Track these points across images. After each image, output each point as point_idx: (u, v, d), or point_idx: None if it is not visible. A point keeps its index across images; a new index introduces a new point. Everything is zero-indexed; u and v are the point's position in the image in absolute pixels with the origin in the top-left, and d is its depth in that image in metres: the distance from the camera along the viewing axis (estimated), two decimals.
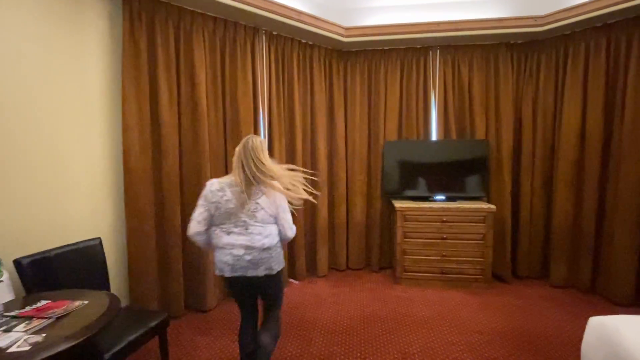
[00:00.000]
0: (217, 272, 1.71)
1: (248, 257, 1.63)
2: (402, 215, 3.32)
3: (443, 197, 3.54)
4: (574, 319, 2.69)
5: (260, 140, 1.73)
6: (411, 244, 3.32)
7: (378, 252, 3.70)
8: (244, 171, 1.66)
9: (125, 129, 2.41)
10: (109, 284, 2.05)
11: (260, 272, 1.65)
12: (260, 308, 1.88)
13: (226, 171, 2.96)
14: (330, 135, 3.65)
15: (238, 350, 2.26)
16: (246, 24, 2.97)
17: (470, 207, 3.23)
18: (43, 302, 1.52)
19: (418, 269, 3.33)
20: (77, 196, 2.24)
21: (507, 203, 3.46)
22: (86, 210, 2.29)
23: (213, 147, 2.86)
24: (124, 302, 2.57)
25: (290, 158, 3.41)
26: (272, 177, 1.68)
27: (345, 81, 3.73)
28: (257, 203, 1.66)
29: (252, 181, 1.66)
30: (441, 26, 3.33)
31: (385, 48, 3.65)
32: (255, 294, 1.80)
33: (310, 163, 3.55)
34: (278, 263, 1.71)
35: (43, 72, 2.05)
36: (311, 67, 3.50)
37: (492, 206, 3.23)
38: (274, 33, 3.20)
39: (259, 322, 1.88)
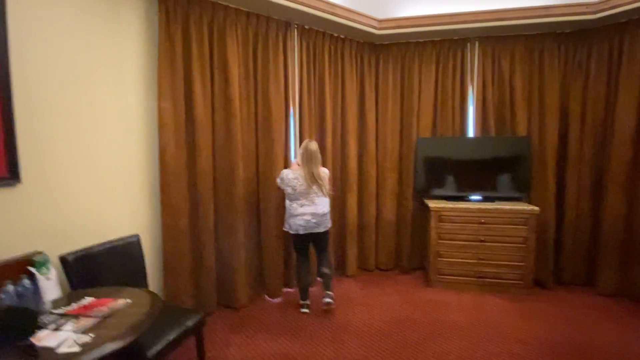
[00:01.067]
0: (291, 232, 2.74)
1: (314, 220, 2.67)
2: (437, 215, 3.18)
3: (479, 197, 3.37)
4: (632, 332, 2.48)
5: (316, 146, 2.74)
6: (446, 246, 3.19)
7: (408, 253, 3.59)
8: (308, 167, 2.67)
9: (162, 126, 2.41)
10: (147, 280, 2.07)
11: (321, 229, 2.71)
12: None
13: (257, 168, 2.93)
14: (360, 131, 3.55)
15: (268, 344, 2.25)
16: (278, 18, 2.91)
17: (512, 208, 3.05)
18: (88, 300, 1.53)
19: (453, 272, 3.19)
20: (116, 193, 2.27)
21: (550, 204, 3.25)
22: (124, 207, 2.32)
23: (245, 145, 2.83)
24: None
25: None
26: (320, 175, 2.71)
27: (377, 75, 3.60)
28: (319, 186, 2.68)
29: (313, 174, 2.67)
30: (481, 16, 3.14)
31: (420, 40, 3.49)
32: (311, 243, 2.83)
33: (340, 160, 3.47)
34: (329, 223, 2.79)
35: (81, 70, 2.07)
36: (342, 62, 3.40)
37: (536, 208, 3.03)
38: (306, 27, 3.12)
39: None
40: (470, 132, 3.49)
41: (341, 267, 3.62)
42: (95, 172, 2.14)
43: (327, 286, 2.76)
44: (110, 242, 1.93)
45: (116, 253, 1.92)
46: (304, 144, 2.74)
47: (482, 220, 3.10)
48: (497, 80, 3.39)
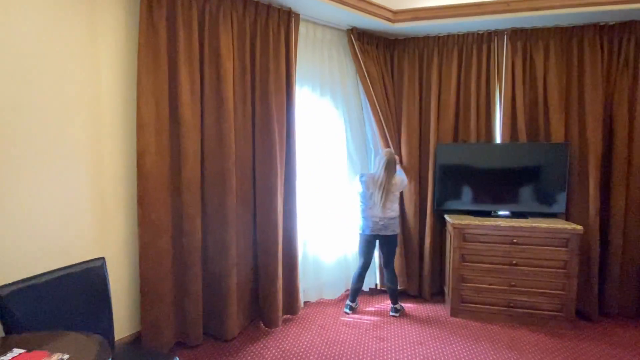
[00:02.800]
0: (360, 232, 2.85)
1: (382, 223, 2.75)
2: (460, 234, 2.75)
3: (507, 212, 2.94)
4: None
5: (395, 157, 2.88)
6: (471, 270, 2.75)
7: (429, 276, 3.15)
8: (387, 173, 2.74)
9: (140, 127, 2.07)
10: (111, 314, 1.69)
11: (389, 232, 2.77)
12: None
13: (254, 176, 2.56)
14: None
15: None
16: (280, 6, 2.56)
17: (550, 227, 2.60)
18: (16, 353, 1.16)
19: (479, 300, 2.75)
20: (82, 208, 1.92)
21: (592, 222, 2.79)
22: (92, 224, 1.96)
23: (240, 150, 2.47)
24: (135, 328, 2.24)
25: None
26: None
27: (391, 74, 3.22)
28: (391, 191, 2.76)
29: (389, 180, 2.75)
30: (512, 5, 2.74)
31: (441, 34, 3.10)
32: (376, 246, 2.97)
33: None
34: (397, 227, 2.85)
35: (40, 62, 1.74)
36: (352, 58, 3.03)
37: (578, 227, 2.58)
38: (310, 18, 2.77)
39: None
40: (497, 138, 3.07)
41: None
42: (55, 182, 1.79)
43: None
44: (64, 268, 1.57)
45: (71, 283, 1.56)
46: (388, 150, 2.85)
47: (514, 240, 2.66)
48: (529, 79, 2.97)
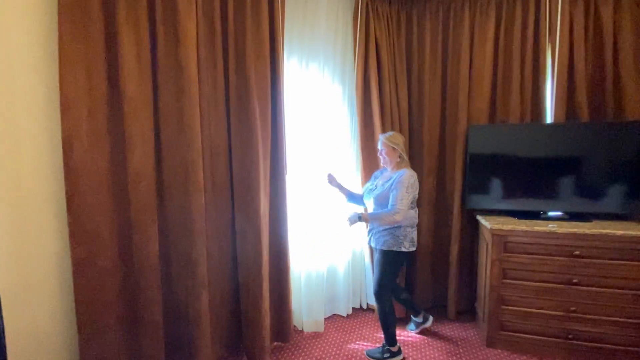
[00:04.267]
0: (404, 249, 1.99)
1: None
2: (501, 242, 2.11)
3: (560, 213, 2.27)
4: None
5: None
6: (515, 289, 2.11)
7: (455, 291, 2.52)
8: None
9: (66, 107, 1.53)
10: None
11: None
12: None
13: (230, 169, 1.99)
14: (385, 118, 2.50)
15: None
16: None
17: (627, 234, 1.92)
18: None
19: (526, 329, 2.11)
20: None
21: None
22: (3, 239, 1.45)
23: (209, 135, 1.90)
24: None
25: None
26: None
27: (408, 39, 2.55)
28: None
29: None
30: None
31: None
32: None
33: (365, 157, 2.46)
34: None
35: None
36: (357, 20, 2.38)
37: None
38: None
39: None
40: (548, 117, 2.38)
41: (360, 309, 2.63)
42: None
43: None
44: None
45: None
46: (390, 133, 2.10)
47: (577, 252, 1.99)
48: (593, 39, 2.26)
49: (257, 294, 2.01)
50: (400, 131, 2.50)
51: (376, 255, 2.06)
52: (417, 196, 2.03)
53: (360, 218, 1.99)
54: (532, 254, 2.07)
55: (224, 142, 1.96)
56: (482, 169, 2.37)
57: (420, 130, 2.54)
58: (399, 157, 2.02)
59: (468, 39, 2.42)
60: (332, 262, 2.56)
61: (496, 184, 2.36)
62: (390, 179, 1.98)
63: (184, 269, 1.82)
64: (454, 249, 2.47)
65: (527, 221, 2.19)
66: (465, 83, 2.43)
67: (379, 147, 2.07)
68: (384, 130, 2.43)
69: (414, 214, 2.02)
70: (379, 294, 2.02)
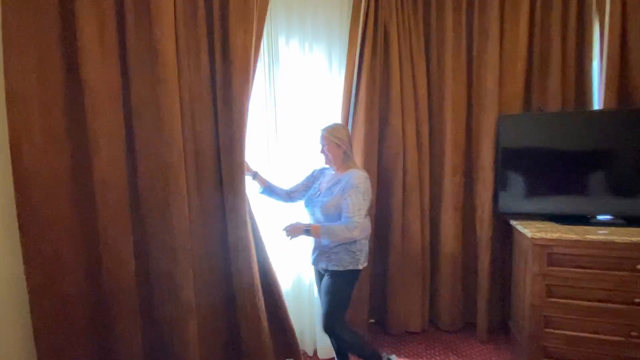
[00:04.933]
0: (361, 267, 1.62)
1: None
2: (543, 253, 1.77)
3: (610, 217, 1.91)
4: None
5: None
6: (562, 309, 1.76)
7: (486, 308, 2.18)
8: None
9: (13, 102, 1.25)
10: None
11: None
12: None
13: (219, 172, 1.68)
14: (402, 107, 2.15)
15: None
16: None
17: None
18: None
19: (576, 356, 1.77)
20: None
21: None
22: None
23: (193, 132, 1.59)
24: None
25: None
26: None
27: (425, 13, 2.19)
28: None
29: None
30: None
31: None
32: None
33: (365, 153, 2.10)
34: None
35: None
36: None
37: None
38: None
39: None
40: (596, 104, 2.01)
41: (379, 326, 2.32)
42: None
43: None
44: None
45: None
46: (333, 125, 1.69)
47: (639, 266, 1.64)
48: None
49: (256, 318, 1.71)
50: (419, 123, 2.15)
51: (327, 279, 1.62)
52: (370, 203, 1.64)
53: (308, 232, 1.56)
54: (583, 267, 1.72)
55: (211, 139, 1.64)
56: (516, 166, 2.02)
57: (442, 122, 2.19)
58: (344, 153, 1.63)
59: (497, 12, 2.05)
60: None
61: (533, 184, 2.01)
62: (339, 183, 1.59)
63: (167, 292, 1.53)
64: (485, 259, 2.13)
65: (573, 227, 1.84)
66: (494, 65, 2.07)
67: (320, 142, 1.66)
68: (402, 125, 2.10)
69: (368, 223, 1.66)
70: (333, 326, 1.59)
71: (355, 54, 1.99)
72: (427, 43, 2.19)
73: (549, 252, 1.76)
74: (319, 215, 1.62)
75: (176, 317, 1.53)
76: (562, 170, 1.95)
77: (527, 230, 1.82)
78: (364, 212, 1.55)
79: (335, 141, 1.60)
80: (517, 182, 2.03)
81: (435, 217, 2.26)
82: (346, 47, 2.01)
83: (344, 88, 2.00)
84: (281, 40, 1.95)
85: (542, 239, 1.75)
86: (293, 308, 1.92)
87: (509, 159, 2.02)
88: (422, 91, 2.15)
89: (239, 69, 1.54)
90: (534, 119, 2.00)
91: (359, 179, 1.55)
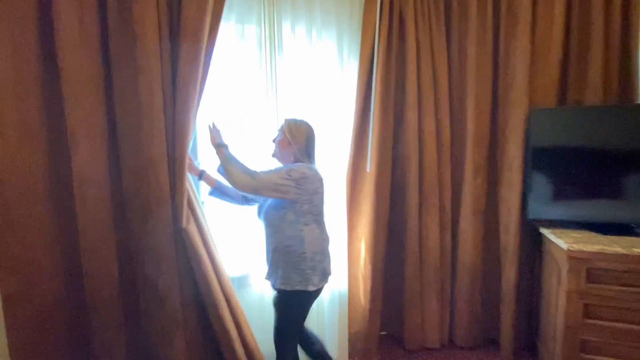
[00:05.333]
0: (312, 288, 1.32)
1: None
2: (582, 267, 1.53)
3: None
4: None
5: None
6: (603, 332, 1.53)
7: (511, 325, 1.95)
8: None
9: None
10: None
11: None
12: None
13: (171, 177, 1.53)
14: (418, 100, 1.94)
15: None
16: None
17: None
18: None
19: None
20: None
21: None
22: None
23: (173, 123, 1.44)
24: None
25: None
26: None
27: (447, 1, 1.97)
28: None
29: None
30: None
31: None
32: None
33: (378, 151, 1.91)
34: None
35: None
36: None
37: None
38: None
39: None
40: None
41: (394, 340, 2.13)
42: None
43: None
44: None
45: None
46: (299, 120, 1.42)
47: None
48: None
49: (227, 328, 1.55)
50: (438, 118, 1.94)
51: (275, 294, 1.41)
52: (320, 209, 1.36)
53: (217, 147, 1.32)
54: (629, 285, 1.48)
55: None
56: (548, 167, 1.78)
57: (464, 117, 1.97)
58: (294, 155, 1.37)
59: None
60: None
61: (568, 187, 1.77)
62: None
63: (152, 303, 1.39)
64: (510, 272, 1.90)
65: (615, 238, 1.59)
66: (524, 52, 1.83)
67: (278, 130, 1.42)
68: (419, 119, 1.90)
69: (318, 232, 1.34)
70: (280, 343, 1.40)
71: (372, 40, 1.79)
72: (448, 29, 1.96)
73: (588, 267, 1.52)
74: (264, 222, 1.39)
75: (161, 330, 1.39)
76: (602, 172, 1.71)
77: (561, 240, 1.59)
78: (275, 180, 1.25)
79: (288, 137, 1.35)
80: (548, 185, 1.79)
81: (454, 222, 2.05)
82: (358, 34, 1.83)
83: (359, 79, 1.81)
84: (285, 26, 1.77)
85: (580, 251, 1.52)
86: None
87: (540, 159, 1.79)
88: (443, 82, 1.93)
89: (187, 47, 1.30)
90: (571, 114, 1.76)
91: (299, 166, 1.29)
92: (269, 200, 1.38)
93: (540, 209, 1.81)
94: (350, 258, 1.93)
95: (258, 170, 1.28)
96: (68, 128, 1.23)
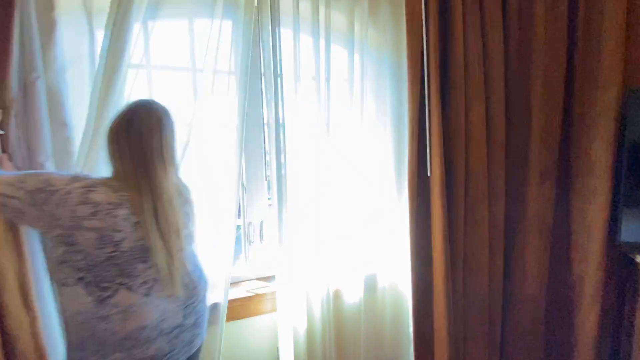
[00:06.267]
0: None
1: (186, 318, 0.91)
2: None
3: None
4: None
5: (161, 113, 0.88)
6: None
7: None
8: (158, 162, 0.86)
9: None
10: None
11: (197, 340, 0.96)
12: None
13: None
14: (465, 80, 1.44)
15: None
16: None
17: None
18: None
19: None
20: None
21: None
22: None
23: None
24: None
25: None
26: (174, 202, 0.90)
27: None
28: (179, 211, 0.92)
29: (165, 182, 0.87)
30: None
31: None
32: None
33: (418, 150, 1.43)
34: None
35: None
36: None
37: None
38: None
39: None
40: None
41: None
42: None
43: None
44: None
45: None
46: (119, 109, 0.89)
47: None
48: None
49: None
50: (491, 102, 1.44)
51: None
52: (100, 259, 0.77)
53: None
54: None
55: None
56: None
57: (527, 102, 1.47)
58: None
59: None
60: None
61: None
62: None
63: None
64: (591, 315, 1.40)
65: None
66: (614, 16, 1.34)
67: None
68: (465, 107, 1.42)
69: (88, 302, 0.78)
70: None
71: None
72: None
73: None
74: None
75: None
76: None
77: None
78: (30, 183, 0.75)
79: None
80: None
81: (508, 244, 1.55)
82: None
83: (409, 58, 1.33)
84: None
85: None
86: None
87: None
88: (497, 56, 1.44)
89: None
90: None
91: (68, 174, 0.81)
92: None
93: (638, 229, 1.31)
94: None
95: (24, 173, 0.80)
96: None
